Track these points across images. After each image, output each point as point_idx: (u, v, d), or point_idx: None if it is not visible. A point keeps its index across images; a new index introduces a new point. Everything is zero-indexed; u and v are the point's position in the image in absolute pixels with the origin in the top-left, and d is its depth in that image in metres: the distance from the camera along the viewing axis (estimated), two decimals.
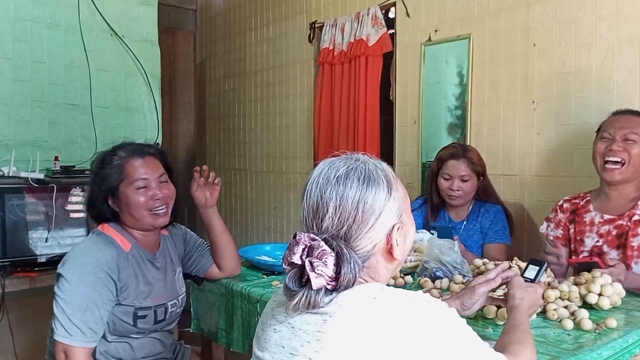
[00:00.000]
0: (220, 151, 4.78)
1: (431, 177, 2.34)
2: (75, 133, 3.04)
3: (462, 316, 1.31)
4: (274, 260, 2.01)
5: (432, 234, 1.95)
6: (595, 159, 1.90)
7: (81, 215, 2.56)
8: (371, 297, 0.89)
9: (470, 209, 2.30)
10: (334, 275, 0.88)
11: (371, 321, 0.85)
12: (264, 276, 1.88)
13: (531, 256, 1.95)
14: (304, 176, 3.84)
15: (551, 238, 2.03)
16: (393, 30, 3.15)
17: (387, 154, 3.27)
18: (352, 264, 0.88)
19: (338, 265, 0.88)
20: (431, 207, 2.34)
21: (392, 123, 3.19)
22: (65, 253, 1.57)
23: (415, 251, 1.92)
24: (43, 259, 2.45)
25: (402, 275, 1.78)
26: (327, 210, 0.91)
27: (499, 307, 1.34)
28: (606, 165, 1.84)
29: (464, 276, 1.71)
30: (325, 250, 0.88)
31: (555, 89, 2.41)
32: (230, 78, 4.57)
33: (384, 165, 0.99)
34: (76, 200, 2.57)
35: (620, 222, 1.86)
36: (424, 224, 2.35)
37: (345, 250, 0.89)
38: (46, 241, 2.45)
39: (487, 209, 2.28)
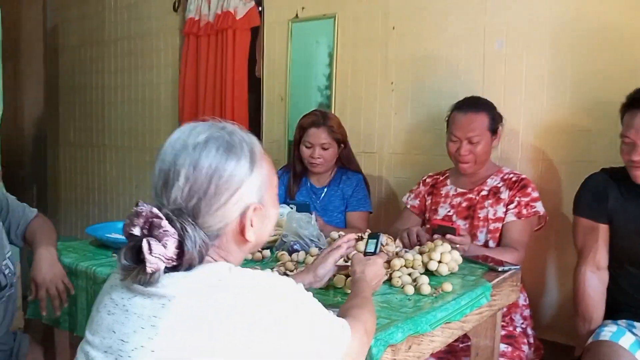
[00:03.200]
0: (76, 125, 4.41)
1: (294, 145, 2.36)
2: None
3: (314, 289, 1.34)
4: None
5: (292, 208, 1.96)
6: (449, 153, 2.05)
7: None
8: (216, 279, 0.83)
9: (332, 175, 2.36)
10: (174, 257, 0.82)
11: (214, 306, 0.80)
12: (114, 255, 1.76)
13: (389, 228, 2.07)
14: None
15: (408, 206, 2.19)
16: (261, 8, 3.11)
17: (255, 131, 3.24)
18: (197, 245, 0.83)
19: (181, 246, 0.82)
20: (294, 175, 2.36)
21: (260, 99, 3.17)
22: None
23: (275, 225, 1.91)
24: None
25: (260, 249, 1.77)
26: (178, 179, 0.85)
27: (347, 276, 1.39)
28: (459, 163, 2.02)
29: (320, 249, 1.74)
30: (167, 230, 0.81)
31: (411, 72, 2.54)
32: (87, 46, 4.21)
33: (253, 139, 0.93)
34: None
35: (470, 195, 2.04)
36: (285, 193, 2.37)
37: (190, 230, 0.83)
38: None
39: (349, 176, 2.34)
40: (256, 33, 3.15)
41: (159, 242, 0.81)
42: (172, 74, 3.60)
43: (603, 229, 1.76)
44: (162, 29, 3.63)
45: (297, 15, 2.91)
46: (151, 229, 0.82)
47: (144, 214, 0.82)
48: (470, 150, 1.98)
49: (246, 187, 0.88)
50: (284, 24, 2.96)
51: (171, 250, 0.81)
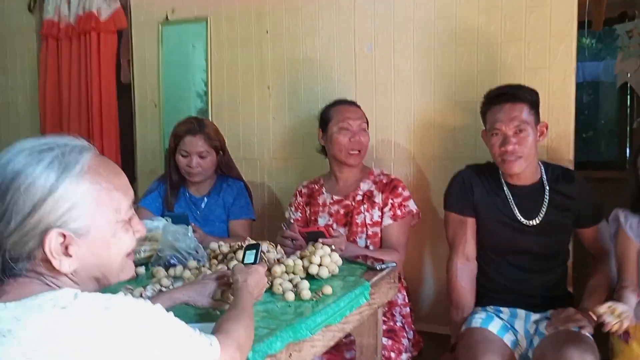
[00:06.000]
0: None
1: (169, 154, 2.24)
2: None
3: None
4: None
5: (168, 220, 1.86)
6: (340, 148, 2.02)
7: None
8: (59, 306, 0.74)
9: (212, 184, 2.27)
10: None
11: (60, 337, 0.72)
12: None
13: (273, 234, 2.03)
14: None
15: (291, 221, 2.13)
16: (128, 9, 2.94)
17: (128, 139, 3.05)
18: None
19: None
20: (171, 185, 2.24)
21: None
22: None
23: (149, 240, 1.80)
24: None
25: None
26: None
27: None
28: (350, 154, 2.03)
29: (198, 261, 1.67)
30: None
31: (287, 75, 2.54)
32: None
33: (88, 151, 0.83)
34: None
35: (347, 202, 2.06)
36: (162, 205, 2.25)
37: None
38: None
39: (229, 184, 2.27)
40: (121, 36, 2.97)
41: None
42: (31, 79, 3.28)
43: (470, 222, 1.88)
44: (17, 30, 3.30)
45: (167, 17, 2.79)
46: None
47: None
48: (360, 141, 2.02)
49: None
50: (154, 26, 2.82)
51: None
